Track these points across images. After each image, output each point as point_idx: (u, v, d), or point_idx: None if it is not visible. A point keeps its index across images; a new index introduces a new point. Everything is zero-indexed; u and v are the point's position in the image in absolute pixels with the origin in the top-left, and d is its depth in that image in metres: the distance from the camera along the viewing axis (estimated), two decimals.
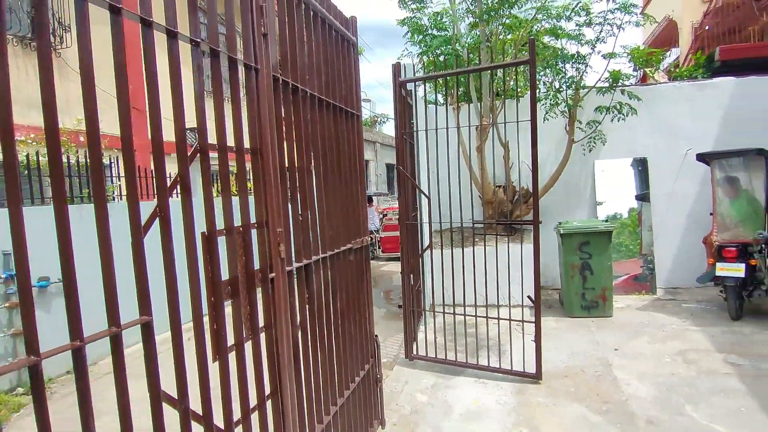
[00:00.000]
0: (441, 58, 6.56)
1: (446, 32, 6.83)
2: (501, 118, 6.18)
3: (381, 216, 11.95)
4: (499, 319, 4.14)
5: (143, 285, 1.21)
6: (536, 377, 3.79)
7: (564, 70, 6.30)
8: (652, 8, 16.66)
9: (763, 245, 4.97)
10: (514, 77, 5.71)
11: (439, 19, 6.86)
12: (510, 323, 4.08)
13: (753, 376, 3.74)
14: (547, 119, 6.30)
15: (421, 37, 7.00)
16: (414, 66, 5.93)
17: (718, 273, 5.14)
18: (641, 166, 6.77)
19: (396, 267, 9.30)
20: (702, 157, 5.77)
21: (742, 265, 4.99)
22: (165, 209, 1.27)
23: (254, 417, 1.66)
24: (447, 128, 4.02)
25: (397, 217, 5.60)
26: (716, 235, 5.42)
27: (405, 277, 4.28)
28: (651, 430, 3.01)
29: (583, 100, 6.45)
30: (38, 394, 0.96)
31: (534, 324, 3.79)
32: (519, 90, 6.18)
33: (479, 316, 4.23)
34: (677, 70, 8.46)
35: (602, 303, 5.49)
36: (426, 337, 4.50)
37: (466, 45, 6.66)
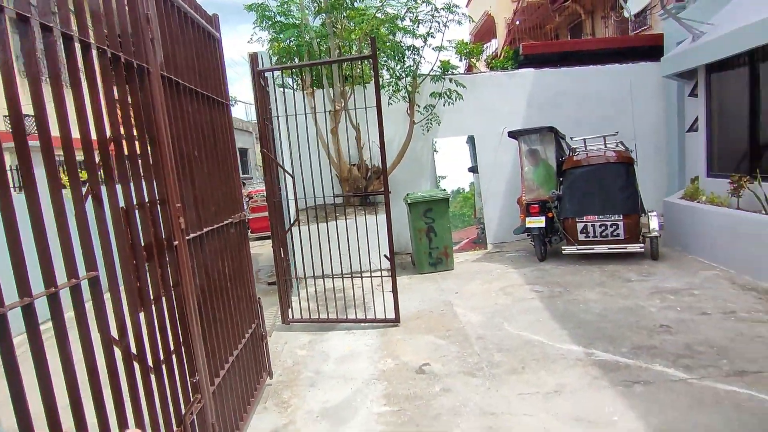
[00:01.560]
0: (291, 44, 6.94)
1: (294, 20, 7.19)
2: (352, 103, 6.84)
3: (247, 198, 12.34)
4: (362, 277, 4.81)
5: (88, 245, 1.51)
6: (395, 321, 4.56)
7: (403, 60, 7.16)
8: (475, 3, 18.91)
9: (556, 201, 6.43)
10: (360, 67, 6.38)
11: (286, 7, 7.20)
12: (372, 283, 4.81)
13: (548, 297, 5.01)
14: (391, 103, 7.13)
15: (269, 23, 7.28)
16: (269, 55, 6.22)
17: (528, 225, 6.51)
18: (472, 143, 8.03)
19: (261, 249, 9.54)
20: (511, 134, 7.13)
21: (543, 218, 6.41)
22: (97, 189, 1.57)
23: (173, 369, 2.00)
24: (305, 114, 4.50)
25: (263, 198, 5.92)
26: (525, 195, 6.83)
27: (276, 249, 4.69)
28: (480, 342, 3.97)
29: (420, 86, 7.41)
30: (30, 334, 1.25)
31: (390, 278, 4.54)
32: (365, 78, 6.88)
33: (346, 276, 4.85)
34: (494, 61, 10.03)
35: (445, 259, 6.55)
36: (300, 304, 5.00)
37: (314, 34, 7.12)
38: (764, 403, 2.76)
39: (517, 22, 16.19)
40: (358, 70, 6.83)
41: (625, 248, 6.00)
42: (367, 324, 4.64)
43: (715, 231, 5.69)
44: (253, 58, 4.53)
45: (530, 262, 6.63)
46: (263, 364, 3.49)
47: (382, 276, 4.88)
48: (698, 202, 6.21)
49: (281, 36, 7.03)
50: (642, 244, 6.01)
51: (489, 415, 2.87)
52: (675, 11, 6.90)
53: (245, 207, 11.82)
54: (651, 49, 8.28)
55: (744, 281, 4.98)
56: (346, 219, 5.17)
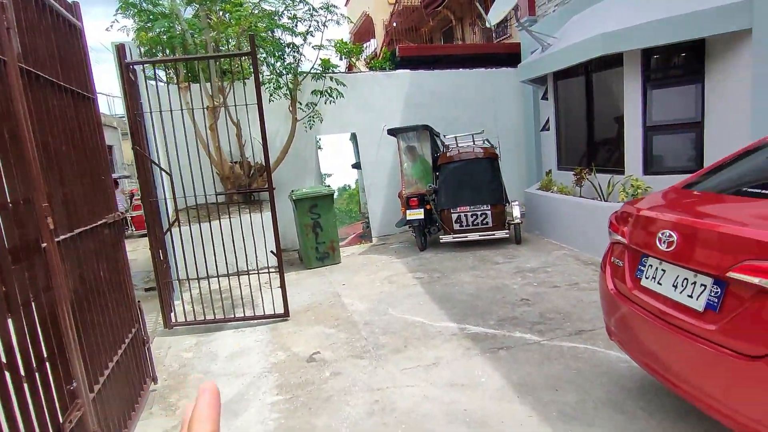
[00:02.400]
0: (160, 35, 6.55)
1: (163, 8, 6.79)
2: (231, 99, 6.67)
3: (130, 196, 12.31)
4: (248, 274, 4.78)
5: None
6: (285, 316, 4.62)
7: (283, 57, 7.16)
8: (354, 3, 19.29)
9: (433, 194, 6.94)
10: (240, 63, 6.26)
11: None
12: (260, 280, 4.80)
13: (428, 282, 5.44)
14: (272, 100, 7.09)
15: (134, 11, 6.79)
16: (136, 46, 5.82)
17: (409, 218, 6.94)
18: (355, 140, 8.28)
19: (135, 254, 8.86)
20: (390, 132, 7.51)
21: (422, 210, 6.88)
22: None
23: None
24: (181, 110, 4.34)
25: None
26: (404, 190, 7.25)
27: (154, 251, 4.46)
28: (367, 328, 4.21)
29: (301, 84, 7.47)
30: None
31: (278, 273, 4.59)
32: (245, 73, 6.75)
33: (232, 276, 4.78)
34: (373, 61, 10.41)
35: (332, 253, 6.72)
36: (184, 307, 4.81)
37: (187, 25, 6.80)
38: (596, 353, 3.36)
39: (395, 24, 16.90)
40: (237, 66, 6.67)
41: (494, 235, 6.70)
42: (256, 321, 4.63)
43: (564, 216, 6.61)
44: (120, 49, 4.25)
45: (412, 252, 7.08)
46: (146, 369, 3.35)
47: (269, 273, 4.90)
48: (551, 192, 7.14)
49: (149, 26, 6.59)
50: (507, 231, 6.76)
51: (376, 391, 3.10)
52: (528, 24, 7.80)
53: (128, 205, 11.80)
54: (511, 56, 9.26)
55: (586, 258, 5.87)
56: (230, 217, 5.08)
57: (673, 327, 2.05)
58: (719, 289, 1.85)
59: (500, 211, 6.73)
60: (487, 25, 7.17)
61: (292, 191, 6.80)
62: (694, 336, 1.93)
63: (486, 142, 7.42)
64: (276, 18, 6.84)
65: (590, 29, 5.90)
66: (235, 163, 7.19)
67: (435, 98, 8.62)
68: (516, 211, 6.79)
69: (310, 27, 7.09)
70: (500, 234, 6.70)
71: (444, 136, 7.71)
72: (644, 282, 2.28)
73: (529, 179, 9.03)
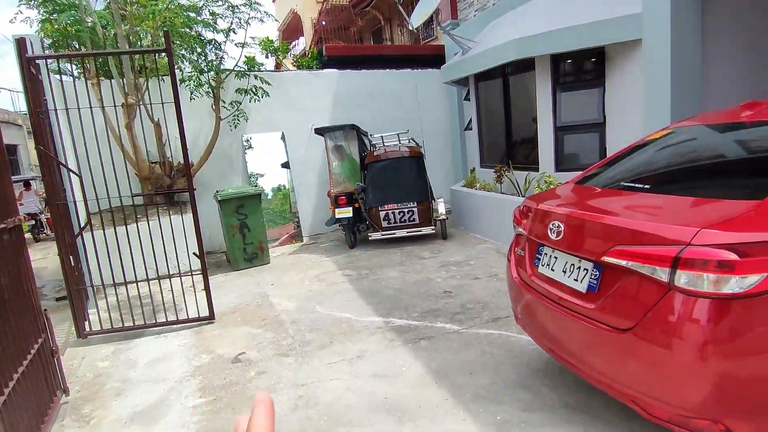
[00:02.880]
0: (67, 27, 6.15)
1: None
2: (148, 96, 6.39)
3: (42, 198, 11.68)
4: (170, 278, 4.63)
5: None
6: (210, 318, 4.53)
7: (204, 54, 6.96)
8: (282, 0, 18.99)
9: (361, 192, 7.05)
10: (155, 59, 6.02)
11: None
12: (183, 284, 4.66)
13: (357, 279, 5.54)
14: (194, 98, 6.88)
15: (39, 1, 6.33)
16: (40, 38, 5.43)
17: (338, 216, 7.00)
18: (284, 139, 8.21)
19: (44, 262, 8.25)
20: (318, 131, 7.54)
21: (351, 209, 6.97)
22: None
23: None
24: (90, 107, 4.12)
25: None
26: (333, 189, 7.30)
27: (64, 257, 4.21)
28: (294, 326, 4.24)
29: (224, 82, 7.30)
30: None
31: (202, 275, 4.49)
32: (162, 69, 6.50)
33: (153, 280, 4.61)
34: (301, 60, 10.35)
35: (261, 254, 6.65)
36: (99, 315, 4.57)
37: (97, 18, 6.43)
38: (509, 338, 3.61)
39: (323, 23, 16.86)
40: (154, 62, 6.41)
41: (420, 231, 6.92)
42: (180, 325, 4.50)
43: (487, 211, 6.96)
44: (21, 43, 3.97)
45: (342, 250, 7.15)
46: (56, 381, 3.17)
47: (193, 276, 4.78)
48: (475, 189, 7.48)
49: (55, 17, 6.17)
50: (433, 227, 7.01)
51: (300, 386, 3.15)
52: (449, 27, 8.13)
53: (43, 207, 11.33)
54: (436, 58, 9.57)
55: (505, 251, 6.21)
56: (149, 220, 4.89)
57: (564, 308, 2.27)
58: (598, 272, 2.09)
59: (426, 208, 6.96)
60: (410, 27, 7.38)
61: (218, 191, 6.64)
62: (579, 315, 2.16)
63: (412, 141, 7.64)
64: (194, 14, 6.64)
65: (505, 35, 6.26)
66: (155, 163, 6.91)
67: (363, 98, 8.74)
68: (441, 208, 7.05)
69: (232, 24, 6.95)
70: (427, 230, 6.93)
71: (371, 135, 7.85)
72: (541, 269, 2.51)
73: (455, 177, 9.39)
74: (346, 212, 6.95)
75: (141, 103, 6.26)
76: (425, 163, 7.25)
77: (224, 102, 7.41)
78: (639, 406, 1.94)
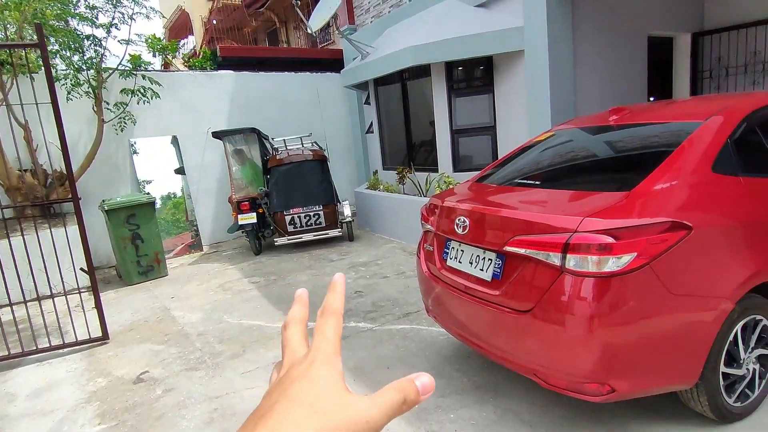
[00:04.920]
0: None
1: None
2: (14, 96, 5.66)
3: None
4: (53, 297, 4.17)
5: None
6: (104, 338, 4.15)
7: (82, 50, 6.34)
8: None
9: (264, 197, 6.88)
10: (22, 54, 5.36)
11: None
12: (68, 304, 4.21)
13: (265, 285, 5.42)
14: (71, 99, 6.24)
15: None
16: None
17: (241, 223, 6.77)
18: (177, 143, 7.73)
19: None
20: (215, 135, 7.23)
21: (254, 214, 6.78)
22: None
23: None
24: None
25: None
26: (235, 194, 7.05)
27: None
28: (201, 338, 4.04)
29: (107, 81, 6.71)
30: None
31: (92, 292, 4.09)
32: (31, 67, 5.79)
33: (31, 302, 4.11)
34: (192, 60, 9.82)
35: (157, 265, 6.21)
36: None
37: None
38: (420, 331, 3.78)
39: (214, 22, 16.14)
40: (21, 58, 5.68)
41: (327, 234, 6.94)
42: (67, 349, 4.06)
43: (391, 212, 7.17)
44: None
45: (247, 257, 6.93)
46: None
47: (81, 293, 4.34)
48: (378, 190, 7.67)
49: None
50: (340, 229, 7.06)
51: (214, 399, 3.02)
52: (347, 32, 8.25)
53: None
54: (335, 62, 9.65)
55: (411, 248, 6.47)
56: (23, 235, 4.33)
57: (472, 297, 2.46)
58: (501, 261, 2.30)
59: (332, 211, 7.00)
60: (309, 31, 7.38)
61: (104, 201, 6.08)
62: (486, 302, 2.36)
63: (315, 144, 7.63)
64: (70, 6, 6.02)
65: (402, 41, 6.51)
66: (26, 171, 6.14)
67: (262, 100, 8.54)
68: (347, 210, 7.13)
69: (114, 19, 6.41)
70: (334, 233, 6.97)
71: (272, 138, 7.71)
72: (449, 262, 2.68)
73: (359, 179, 9.54)
74: (250, 218, 6.75)
75: (3, 104, 5.54)
76: (329, 166, 7.29)
77: (107, 103, 6.81)
78: (540, 378, 2.17)
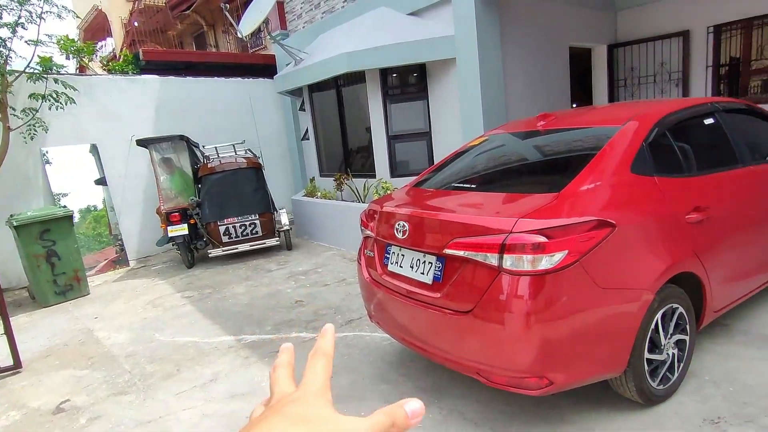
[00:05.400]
0: None
1: None
2: None
3: None
4: None
5: None
6: (16, 367, 3.77)
7: None
8: None
9: (196, 207, 6.59)
10: None
11: None
12: None
13: (199, 300, 5.17)
14: None
15: None
16: None
17: (171, 235, 6.43)
18: (96, 152, 7.21)
19: None
20: (140, 143, 6.84)
21: (186, 225, 6.46)
22: None
23: None
24: None
25: None
26: (163, 205, 6.69)
27: None
28: (130, 359, 3.78)
29: (13, 86, 6.15)
30: None
31: (0, 317, 3.71)
32: None
33: None
34: (111, 63, 9.23)
35: (77, 284, 5.75)
36: None
37: None
38: (363, 338, 3.76)
39: (135, 24, 15.30)
40: None
41: (264, 243, 6.75)
42: None
43: (330, 219, 7.10)
44: None
45: (179, 270, 6.59)
46: None
47: None
48: (316, 197, 7.58)
49: None
50: (278, 238, 6.90)
51: (147, 423, 2.83)
52: (280, 38, 8.11)
53: None
54: (267, 67, 9.45)
55: (352, 255, 6.43)
56: None
57: (414, 300, 2.48)
58: (441, 264, 2.34)
59: (269, 220, 6.82)
60: (239, 35, 7.18)
61: (12, 216, 5.54)
62: (427, 304, 2.38)
63: (249, 152, 7.42)
64: None
65: (336, 48, 6.50)
66: None
67: (191, 107, 8.19)
68: (284, 219, 6.98)
69: (20, 17, 5.90)
70: (271, 242, 6.79)
71: (203, 146, 7.41)
72: (390, 267, 2.69)
73: (296, 187, 9.39)
74: (181, 229, 6.43)
75: None
76: (264, 173, 7.11)
77: (14, 109, 6.24)
78: (482, 376, 2.22)
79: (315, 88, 7.73)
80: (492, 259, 2.09)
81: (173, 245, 6.75)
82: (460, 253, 2.19)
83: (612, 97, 7.56)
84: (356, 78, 6.78)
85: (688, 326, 2.54)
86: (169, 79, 8.11)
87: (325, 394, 0.44)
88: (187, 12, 14.95)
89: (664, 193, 2.46)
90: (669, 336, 2.44)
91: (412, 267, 2.51)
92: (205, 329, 4.29)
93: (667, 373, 2.48)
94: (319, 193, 7.61)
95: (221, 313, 4.65)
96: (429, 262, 2.40)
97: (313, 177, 8.23)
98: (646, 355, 2.33)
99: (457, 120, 5.96)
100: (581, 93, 8.02)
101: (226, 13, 6.69)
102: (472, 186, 2.72)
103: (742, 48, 6.38)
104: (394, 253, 2.69)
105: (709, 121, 3.05)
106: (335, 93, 7.39)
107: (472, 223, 2.24)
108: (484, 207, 2.44)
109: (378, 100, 6.58)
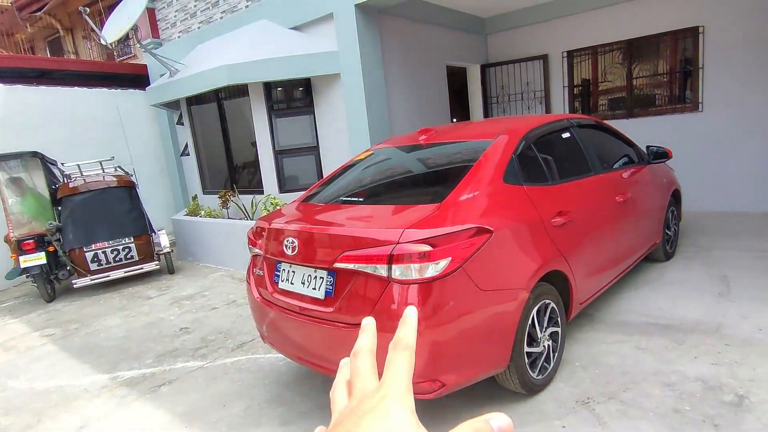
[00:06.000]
0: None
1: None
2: None
3: None
4: None
5: None
6: None
7: None
8: None
9: (56, 232, 5.83)
10: None
11: None
12: None
13: (63, 337, 4.56)
14: None
15: None
16: None
17: (24, 265, 5.59)
18: None
19: None
20: None
21: (43, 254, 5.67)
22: None
23: None
24: None
25: None
26: (14, 232, 5.82)
27: None
28: None
29: None
30: None
31: None
32: None
33: None
34: None
35: None
36: None
37: None
38: (257, 361, 3.60)
39: None
40: None
41: (142, 268, 6.18)
42: None
43: (216, 239, 6.73)
44: None
45: (37, 306, 5.77)
46: None
47: None
48: (200, 216, 7.14)
49: None
50: (157, 262, 6.36)
51: None
52: (151, 47, 7.57)
53: None
54: (138, 78, 8.74)
55: (241, 275, 6.14)
56: None
57: (307, 317, 2.43)
58: (332, 278, 2.33)
59: (146, 242, 6.27)
60: (103, 42, 6.56)
61: None
62: (321, 320, 2.36)
63: (119, 169, 6.78)
64: None
65: (216, 59, 6.23)
66: None
67: (46, 119, 7.28)
68: (164, 240, 6.47)
69: None
70: (150, 266, 6.24)
71: (62, 164, 6.61)
72: (281, 285, 2.61)
73: (176, 206, 8.77)
74: (37, 259, 5.63)
75: None
76: (139, 192, 6.53)
77: None
78: None
79: (194, 101, 7.33)
80: (381, 270, 2.13)
81: (27, 277, 5.90)
82: (351, 266, 2.20)
83: (487, 113, 8.21)
84: (239, 91, 6.56)
85: (559, 319, 2.81)
86: (16, 88, 7.14)
87: (407, 401, 0.40)
88: (39, 14, 13.32)
89: (533, 200, 2.71)
90: (544, 329, 2.68)
91: (303, 283, 2.47)
92: (71, 370, 3.79)
93: (545, 364, 2.72)
94: (202, 212, 7.18)
95: (91, 350, 4.15)
96: (320, 277, 2.38)
97: (196, 195, 7.76)
98: (526, 348, 2.53)
99: (344, 134, 6.04)
100: (460, 109, 8.61)
101: (86, 17, 6.08)
102: (360, 199, 2.76)
103: (591, 71, 7.33)
104: (284, 270, 2.62)
105: (566, 135, 3.44)
106: (217, 106, 7.07)
107: (361, 235, 2.26)
108: (372, 219, 2.49)
109: (263, 114, 6.43)
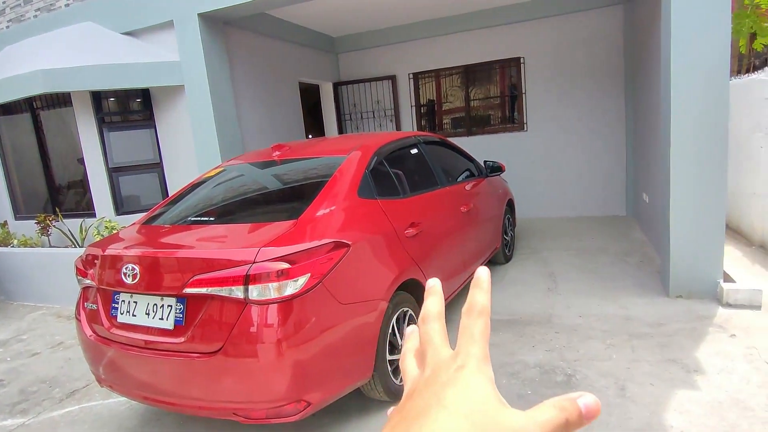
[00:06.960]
0: None
1: None
2: None
3: None
4: None
5: None
6: None
7: None
8: None
9: None
10: None
11: None
12: None
13: None
14: None
15: None
16: None
17: None
18: None
19: None
20: None
21: None
22: None
23: None
24: None
25: None
26: None
27: None
28: None
29: None
30: None
31: None
32: None
33: None
34: None
35: None
36: None
37: None
38: (93, 408, 3.13)
39: None
40: None
41: None
42: None
43: (35, 272, 5.72)
44: None
45: None
46: None
47: None
48: (12, 246, 6.02)
49: None
50: None
51: None
52: None
53: None
54: None
55: (70, 312, 5.30)
56: None
57: (154, 351, 2.19)
58: (182, 306, 2.13)
59: None
60: None
61: None
62: (171, 352, 2.14)
63: None
64: None
65: (29, 63, 5.36)
66: None
67: None
68: None
69: None
70: None
71: None
72: (121, 318, 2.32)
73: None
74: None
75: None
76: None
77: None
78: (240, 415, 2.11)
79: (1, 110, 6.21)
80: (238, 292, 2.02)
81: None
82: (203, 290, 2.04)
83: (341, 129, 8.39)
84: (60, 101, 5.75)
85: None
86: None
87: (486, 371, 0.37)
88: None
89: (386, 212, 2.83)
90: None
91: (148, 314, 2.22)
92: None
93: None
94: (15, 241, 6.08)
95: None
96: (168, 305, 2.17)
97: (6, 221, 6.54)
98: (388, 357, 2.61)
99: (191, 150, 5.64)
100: (315, 125, 8.66)
101: None
102: (211, 219, 2.59)
103: (436, 92, 7.96)
104: (124, 301, 2.32)
105: (414, 151, 3.68)
106: (30, 117, 6.09)
107: (213, 257, 2.12)
108: (225, 239, 2.35)
109: (91, 128, 5.70)
